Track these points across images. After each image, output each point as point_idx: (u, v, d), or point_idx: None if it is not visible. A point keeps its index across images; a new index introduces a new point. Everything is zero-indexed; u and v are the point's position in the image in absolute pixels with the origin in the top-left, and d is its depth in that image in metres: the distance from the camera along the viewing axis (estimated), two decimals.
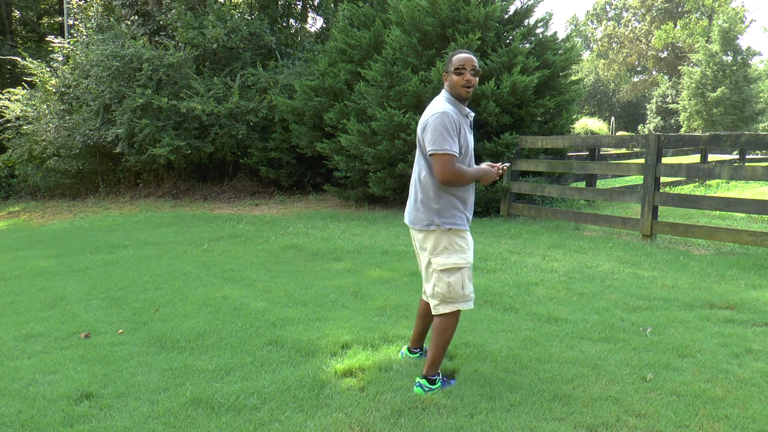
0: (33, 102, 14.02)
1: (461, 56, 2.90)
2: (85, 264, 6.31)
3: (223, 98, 12.05)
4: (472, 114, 3.02)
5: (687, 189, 11.12)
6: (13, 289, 5.36)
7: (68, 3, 17.11)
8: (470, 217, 2.99)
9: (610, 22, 56.19)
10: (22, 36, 20.73)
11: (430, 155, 2.83)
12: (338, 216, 9.35)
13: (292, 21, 15.28)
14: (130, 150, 12.57)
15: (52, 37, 15.39)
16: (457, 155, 2.80)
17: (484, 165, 2.98)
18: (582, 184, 9.70)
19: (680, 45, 47.85)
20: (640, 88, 52.11)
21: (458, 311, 2.93)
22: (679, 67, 38.90)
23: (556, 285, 4.90)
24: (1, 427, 2.66)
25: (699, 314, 4.09)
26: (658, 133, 12.54)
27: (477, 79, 2.93)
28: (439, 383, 2.96)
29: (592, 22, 59.14)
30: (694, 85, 34.02)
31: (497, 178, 2.97)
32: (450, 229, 2.87)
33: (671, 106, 39.53)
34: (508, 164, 3.07)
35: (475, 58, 2.92)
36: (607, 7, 57.47)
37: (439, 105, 2.86)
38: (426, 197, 2.90)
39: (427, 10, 8.91)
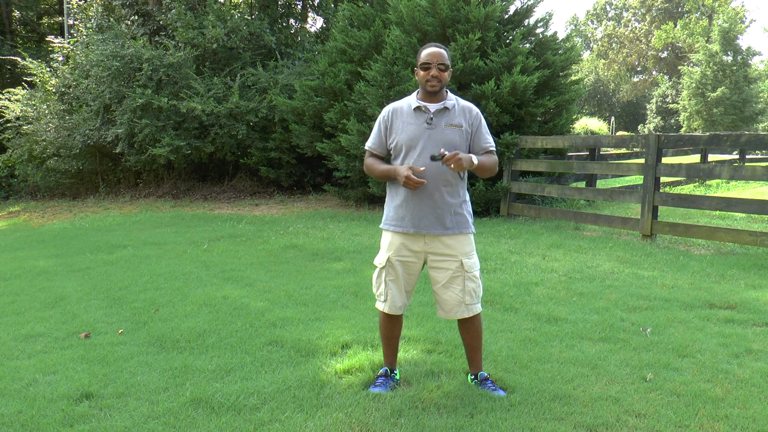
0: (33, 102, 14.02)
1: (428, 51, 2.75)
2: (85, 264, 6.31)
3: (223, 98, 12.05)
4: (442, 106, 2.79)
5: (687, 189, 11.11)
6: (13, 289, 5.36)
7: (68, 3, 17.12)
8: (412, 221, 2.79)
9: (610, 22, 56.20)
10: (22, 36, 20.74)
11: None
12: (338, 216, 9.35)
13: (292, 21, 15.28)
14: (130, 150, 12.57)
15: (52, 37, 15.39)
16: (370, 150, 2.93)
17: (402, 167, 2.71)
18: (582, 184, 9.70)
19: (680, 45, 47.86)
20: (640, 88, 52.10)
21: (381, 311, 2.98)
22: (679, 67, 38.90)
23: (556, 285, 4.90)
24: (1, 427, 2.66)
25: (699, 314, 4.09)
26: (658, 133, 12.54)
27: (446, 73, 2.74)
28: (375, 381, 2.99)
29: (592, 22, 59.16)
30: (694, 85, 34.03)
31: (410, 184, 2.65)
32: (382, 228, 2.96)
33: (671, 106, 39.53)
34: (422, 180, 2.68)
35: (444, 52, 2.74)
36: (607, 7, 57.48)
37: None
38: None
39: (427, 10, 8.91)
